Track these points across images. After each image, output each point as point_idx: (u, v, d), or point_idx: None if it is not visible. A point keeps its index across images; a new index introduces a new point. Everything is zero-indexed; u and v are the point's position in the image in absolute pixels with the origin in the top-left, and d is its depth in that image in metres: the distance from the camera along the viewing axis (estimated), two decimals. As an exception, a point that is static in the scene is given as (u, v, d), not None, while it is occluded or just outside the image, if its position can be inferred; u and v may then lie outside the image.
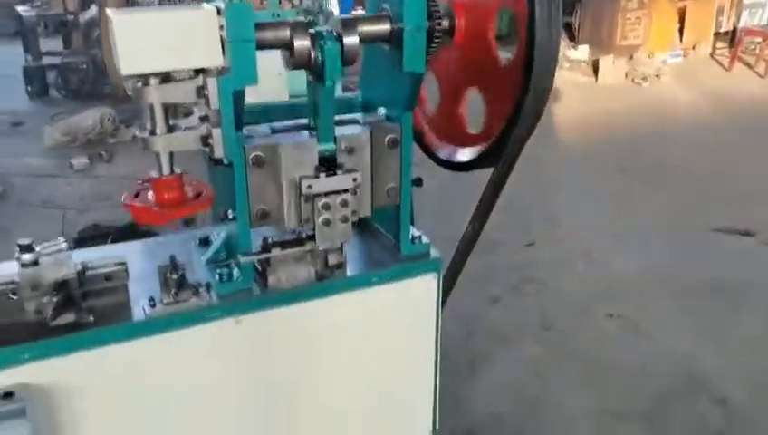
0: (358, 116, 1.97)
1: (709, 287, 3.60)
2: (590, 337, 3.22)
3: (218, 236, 2.00)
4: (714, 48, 10.56)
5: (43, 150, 5.91)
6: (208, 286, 1.78)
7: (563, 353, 3.10)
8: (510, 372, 2.98)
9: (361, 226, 2.20)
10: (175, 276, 1.70)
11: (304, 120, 1.91)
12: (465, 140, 2.07)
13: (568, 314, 3.41)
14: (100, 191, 4.88)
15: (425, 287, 2.07)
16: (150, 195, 1.74)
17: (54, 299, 1.60)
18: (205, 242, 2.07)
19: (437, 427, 2.35)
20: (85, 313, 1.61)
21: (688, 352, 3.09)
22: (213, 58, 1.58)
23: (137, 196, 1.76)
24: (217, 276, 1.84)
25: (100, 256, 1.79)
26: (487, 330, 3.27)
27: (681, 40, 10.32)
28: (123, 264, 1.74)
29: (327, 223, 1.83)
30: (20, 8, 8.96)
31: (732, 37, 10.53)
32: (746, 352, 3.09)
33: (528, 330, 3.29)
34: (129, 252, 1.87)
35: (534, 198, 4.63)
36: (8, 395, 1.55)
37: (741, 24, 10.49)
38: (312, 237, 1.86)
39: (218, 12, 1.57)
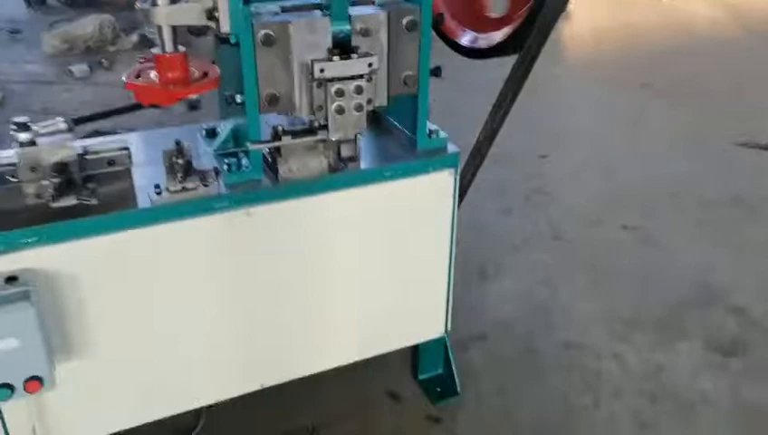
0: (374, -5, 1.83)
1: (727, 200, 3.52)
2: (602, 247, 3.16)
3: (225, 127, 1.90)
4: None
5: (42, 58, 5.72)
6: (217, 172, 1.70)
7: (575, 263, 3.05)
8: (521, 281, 2.94)
9: (375, 120, 2.10)
10: (181, 161, 1.62)
11: (317, 0, 1.78)
12: (487, 26, 1.95)
13: (580, 224, 3.34)
14: (101, 99, 4.73)
15: (441, 183, 1.99)
16: (153, 74, 1.64)
17: (55, 181, 1.52)
18: (211, 134, 1.98)
19: (449, 329, 2.33)
20: (88, 195, 1.53)
21: (704, 262, 3.04)
22: None
23: (138, 76, 1.65)
24: (225, 166, 1.76)
25: (101, 142, 1.70)
26: (499, 239, 3.21)
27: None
28: (126, 148, 1.66)
29: (340, 111, 1.74)
30: None
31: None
32: (764, 263, 3.04)
33: (540, 240, 3.23)
34: (131, 142, 1.77)
35: (548, 113, 4.49)
36: (12, 279, 1.50)
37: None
38: (325, 127, 1.77)
39: None
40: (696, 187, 3.65)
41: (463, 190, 2.20)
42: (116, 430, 1.89)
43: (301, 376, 2.09)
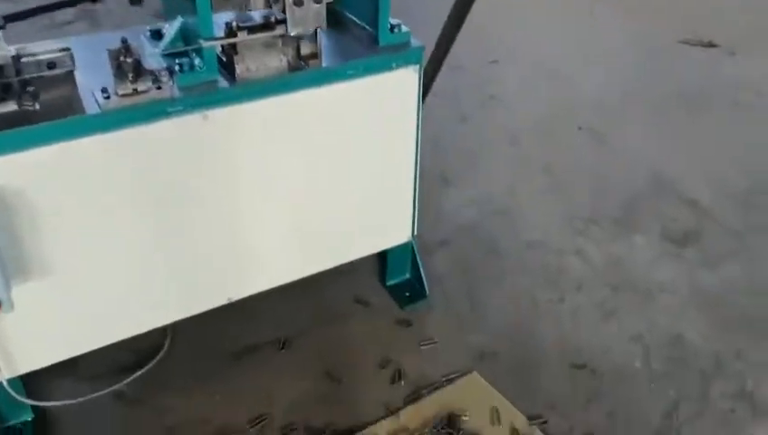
0: None
1: (675, 97, 3.56)
2: (557, 149, 3.17)
3: (172, 26, 1.76)
4: None
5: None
6: (170, 72, 1.58)
7: (532, 166, 3.06)
8: (481, 186, 2.93)
9: (332, 17, 1.99)
10: (129, 60, 1.49)
11: None
12: None
13: (535, 128, 3.33)
14: None
15: (405, 80, 1.92)
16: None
17: (-12, 86, 1.38)
18: (157, 35, 1.83)
19: (415, 233, 2.31)
20: (29, 100, 1.40)
21: (657, 159, 3.09)
22: None
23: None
24: (177, 66, 1.64)
25: (37, 44, 1.55)
26: (456, 147, 3.18)
27: None
28: (67, 49, 1.51)
29: (299, 2, 1.62)
30: None
31: None
32: (712, 157, 3.11)
33: (497, 145, 3.21)
34: (70, 44, 1.62)
35: (496, 19, 4.39)
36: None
37: None
38: (283, 22, 1.66)
39: None
40: (646, 86, 3.68)
41: (425, 89, 2.14)
42: (79, 352, 1.82)
43: (269, 287, 2.05)
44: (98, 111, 1.53)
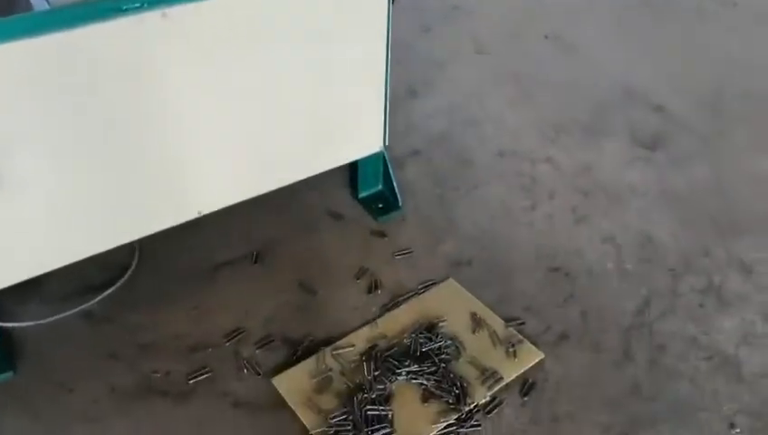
0: None
1: (641, 6, 3.51)
2: (525, 58, 3.12)
3: None
4: None
5: None
6: (123, -37, 1.45)
7: (500, 75, 3.00)
8: (449, 96, 2.87)
9: None
10: (77, -53, 1.36)
11: None
12: None
13: (502, 37, 3.26)
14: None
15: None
16: None
17: None
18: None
19: (387, 143, 2.25)
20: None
21: (624, 66, 3.07)
22: None
23: None
24: (129, -41, 1.51)
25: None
26: (423, 57, 3.09)
27: None
28: (5, -63, 1.37)
29: None
30: None
31: None
32: (678, 63, 3.10)
33: (463, 55, 3.13)
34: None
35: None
36: None
37: None
38: None
39: None
40: (612, -7, 3.61)
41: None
42: (42, 271, 1.75)
43: (240, 200, 1.99)
44: (47, 7, 1.40)
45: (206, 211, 1.95)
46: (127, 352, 1.86)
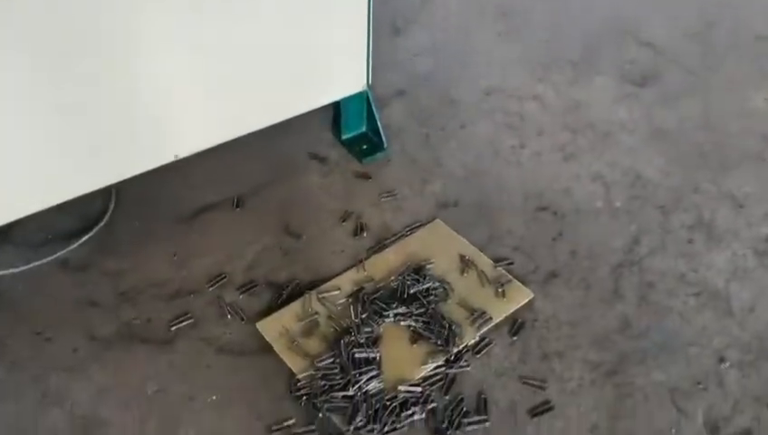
0: None
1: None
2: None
3: None
4: None
5: None
6: None
7: (486, 10, 2.91)
8: (433, 33, 2.78)
9: None
10: None
11: None
12: None
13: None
14: None
15: None
16: None
17: None
18: None
19: (370, 83, 2.17)
20: None
21: (614, 2, 2.98)
22: None
23: None
24: None
25: None
26: (404, -6, 2.99)
27: None
28: None
29: None
30: None
31: None
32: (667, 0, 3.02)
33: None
34: None
35: None
36: None
37: None
38: None
39: None
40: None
41: None
42: (20, 215, 1.69)
43: (218, 143, 1.91)
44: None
45: (182, 154, 1.88)
46: (106, 300, 1.80)
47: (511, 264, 1.92)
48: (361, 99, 2.23)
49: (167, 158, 1.85)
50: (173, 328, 1.74)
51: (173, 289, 1.84)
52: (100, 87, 1.61)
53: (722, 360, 1.72)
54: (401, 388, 1.60)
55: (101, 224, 1.96)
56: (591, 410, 1.60)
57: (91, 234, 1.92)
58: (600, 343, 1.75)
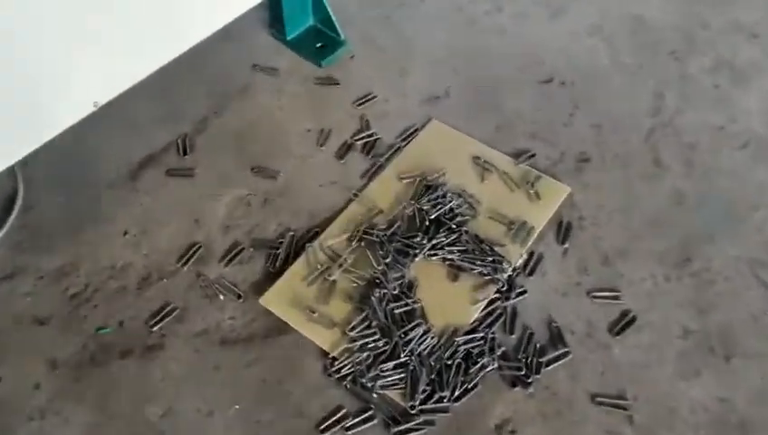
0: None
1: None
2: None
3: None
4: None
5: None
6: None
7: None
8: None
9: None
10: None
11: None
12: None
13: None
14: None
15: None
16: None
17: None
18: None
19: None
20: None
21: None
22: None
23: None
24: None
25: None
26: None
27: None
28: None
29: None
30: None
31: None
32: None
33: None
34: None
35: None
36: None
37: None
38: None
39: None
40: None
41: None
42: None
43: (141, 79, 1.44)
44: None
45: (103, 101, 1.40)
46: (55, 311, 1.38)
47: (533, 156, 1.61)
48: (303, -17, 1.77)
49: (85, 109, 1.38)
50: (155, 328, 1.36)
51: (138, 277, 1.44)
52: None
53: (795, 217, 1.51)
54: (459, 339, 1.31)
55: (14, 213, 1.50)
56: (676, 309, 1.38)
57: (4, 229, 1.46)
58: (660, 226, 1.50)
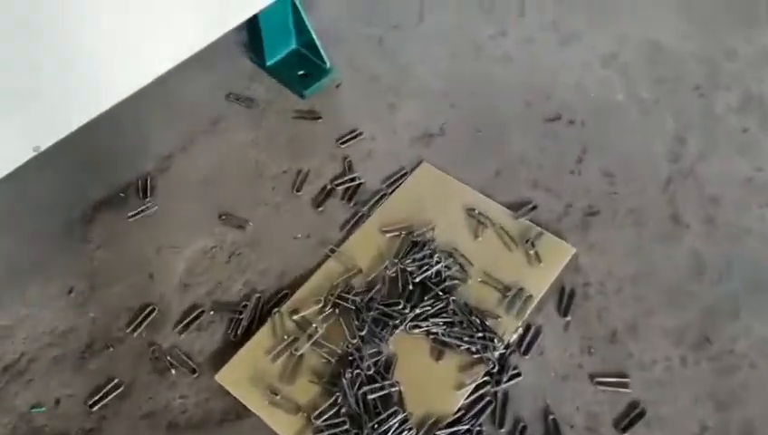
0: None
1: None
2: None
3: None
4: None
5: None
6: None
7: None
8: None
9: None
10: None
11: None
12: None
13: None
14: None
15: None
16: None
17: None
18: None
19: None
20: None
21: None
22: None
23: None
24: None
25: None
26: None
27: None
28: None
29: None
30: None
31: None
32: None
33: None
34: None
35: None
36: None
37: None
38: None
39: None
40: None
41: None
42: None
43: (97, 115, 1.27)
44: None
45: (45, 145, 1.24)
46: (-14, 383, 1.23)
47: (534, 208, 1.43)
48: (285, 4, 1.59)
49: (22, 156, 1.21)
50: (95, 408, 1.20)
51: (81, 344, 1.27)
52: None
53: (833, 292, 1.32)
54: (440, 433, 1.14)
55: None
56: (692, 403, 1.20)
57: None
58: (676, 297, 1.32)
